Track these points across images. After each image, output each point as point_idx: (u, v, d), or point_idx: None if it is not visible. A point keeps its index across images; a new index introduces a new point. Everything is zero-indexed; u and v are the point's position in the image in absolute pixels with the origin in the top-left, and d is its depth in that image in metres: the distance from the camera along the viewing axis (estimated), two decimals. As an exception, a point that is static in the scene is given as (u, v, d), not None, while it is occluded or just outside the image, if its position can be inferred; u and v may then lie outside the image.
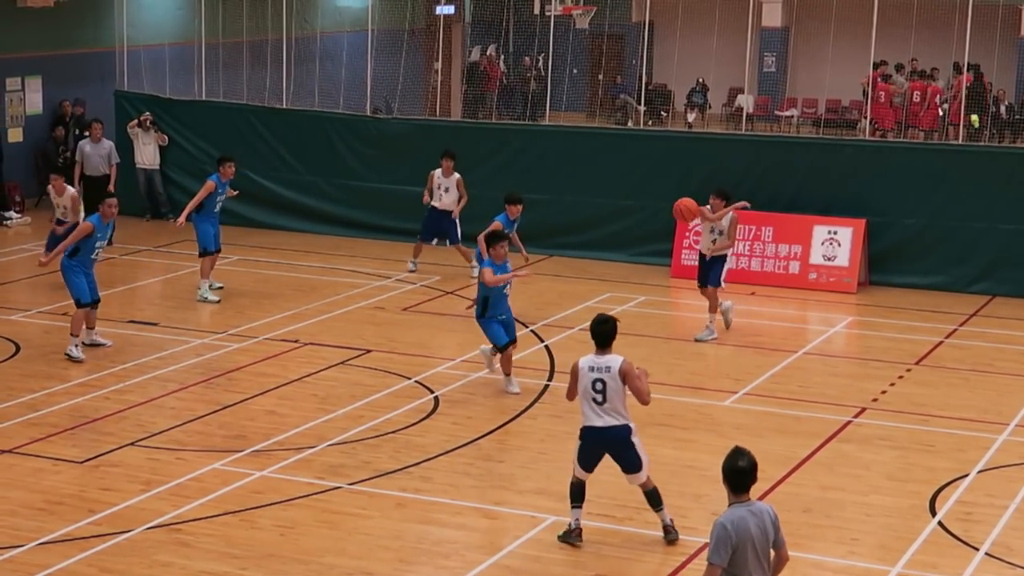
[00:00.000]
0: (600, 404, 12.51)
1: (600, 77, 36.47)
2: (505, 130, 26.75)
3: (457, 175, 23.49)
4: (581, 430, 12.71)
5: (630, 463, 12.66)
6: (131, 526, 13.03)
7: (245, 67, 29.13)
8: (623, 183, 24.86)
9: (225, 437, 15.45)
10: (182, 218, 21.56)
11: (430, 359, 18.39)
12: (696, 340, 19.76)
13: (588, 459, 12.73)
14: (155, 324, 20.10)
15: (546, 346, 19.26)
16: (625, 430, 12.58)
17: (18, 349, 18.72)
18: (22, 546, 12.51)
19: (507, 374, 17.14)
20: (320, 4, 33.79)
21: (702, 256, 19.99)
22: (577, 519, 12.76)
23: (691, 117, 36.71)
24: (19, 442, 15.14)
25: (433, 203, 23.62)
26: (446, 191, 23.58)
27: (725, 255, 19.98)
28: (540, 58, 35.17)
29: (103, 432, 15.51)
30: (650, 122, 33.60)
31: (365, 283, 22.77)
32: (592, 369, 12.53)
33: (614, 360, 12.53)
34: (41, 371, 17.71)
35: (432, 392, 17.11)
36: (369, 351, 18.77)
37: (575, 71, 36.36)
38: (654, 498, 12.78)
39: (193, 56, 28.62)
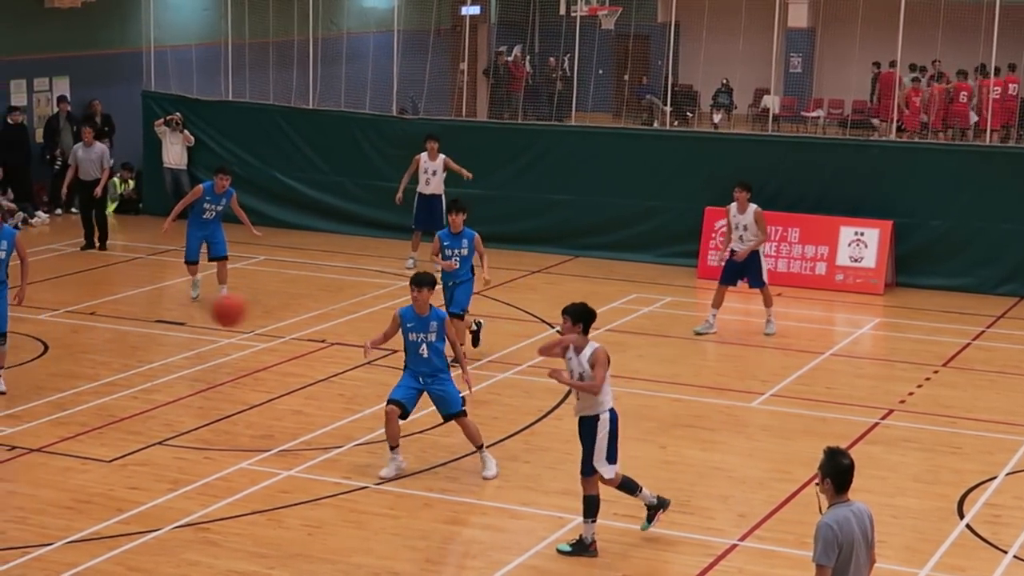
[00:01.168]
0: None
1: (625, 78, 36.49)
2: (531, 131, 26.76)
3: (443, 156, 23.61)
4: (611, 413, 12.62)
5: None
6: (159, 525, 13.09)
7: (272, 68, 29.20)
8: (649, 184, 24.85)
9: (252, 437, 15.50)
10: (167, 223, 21.15)
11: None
12: (696, 333, 19.85)
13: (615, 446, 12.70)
14: (182, 324, 20.16)
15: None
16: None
17: (46, 348, 18.81)
18: (51, 544, 12.57)
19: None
20: (346, 5, 33.88)
21: (731, 256, 19.95)
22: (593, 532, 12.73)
23: (717, 118, 36.69)
24: (47, 441, 15.21)
25: (420, 189, 23.75)
26: (433, 174, 23.69)
27: (759, 251, 19.97)
28: (566, 59, 35.19)
29: (131, 431, 15.58)
30: (676, 123, 33.57)
31: (391, 283, 22.78)
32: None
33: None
34: (69, 370, 17.78)
35: (458, 392, 17.08)
36: (395, 351, 18.68)
37: (600, 72, 36.41)
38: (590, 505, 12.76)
39: (220, 57, 28.70)
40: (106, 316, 20.57)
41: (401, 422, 14.34)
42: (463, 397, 14.46)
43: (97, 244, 25.21)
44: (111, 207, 28.35)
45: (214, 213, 21.14)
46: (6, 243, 16.43)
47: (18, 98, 28.72)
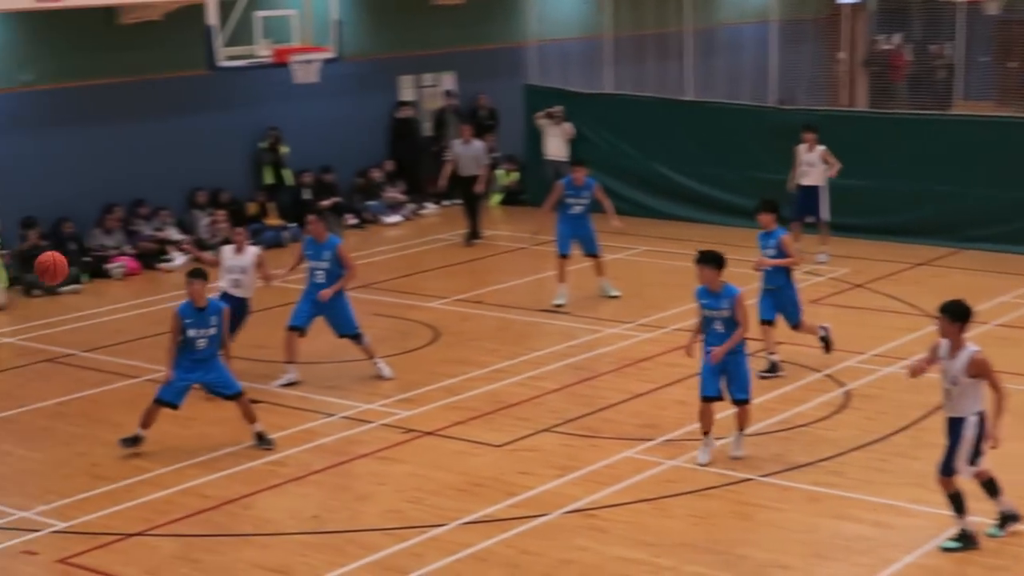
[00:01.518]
0: None
1: (1010, 64, 35.27)
2: (912, 120, 26.15)
3: (822, 147, 23.30)
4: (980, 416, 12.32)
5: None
6: (548, 510, 13.37)
7: (650, 60, 29.39)
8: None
9: (637, 425, 15.66)
10: (538, 223, 21.88)
11: (840, 352, 18.15)
12: None
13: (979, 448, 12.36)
14: (568, 313, 20.45)
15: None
16: None
17: (437, 335, 19.43)
18: (445, 525, 12.99)
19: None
20: (724, -4, 33.86)
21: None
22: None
23: (1111, 103, 35.09)
24: (441, 425, 15.71)
25: (799, 180, 23.54)
26: (811, 166, 23.46)
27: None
28: (948, 46, 34.27)
29: (520, 417, 15.95)
30: (1067, 110, 32.31)
31: (772, 275, 22.62)
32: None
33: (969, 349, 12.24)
34: (459, 356, 18.31)
35: (843, 386, 16.93)
36: (779, 343, 18.68)
37: (984, 58, 35.30)
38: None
39: (599, 49, 29.05)
40: (492, 304, 21.10)
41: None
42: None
43: (472, 238, 25.74)
44: (496, 199, 29.07)
45: (580, 207, 21.07)
46: (329, 253, 16.79)
47: (407, 93, 29.74)
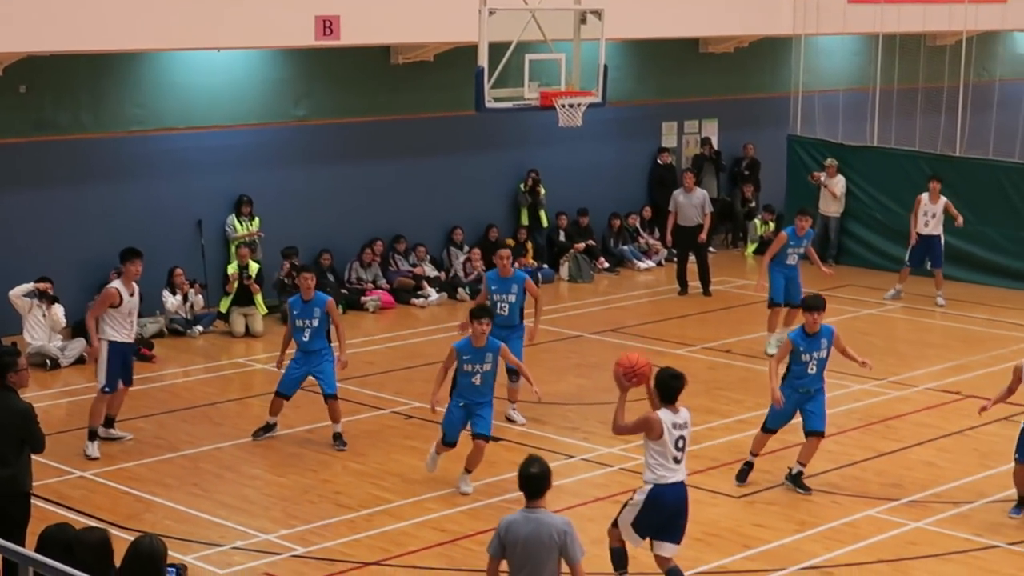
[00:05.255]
0: (679, 462, 11.85)
1: None
2: None
3: (944, 199, 23.47)
4: (651, 489, 11.80)
5: (683, 528, 12.04)
6: (784, 564, 13.17)
7: (919, 113, 28.84)
8: None
9: (881, 484, 15.32)
10: (760, 276, 21.78)
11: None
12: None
13: (652, 524, 11.93)
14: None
15: None
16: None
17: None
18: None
19: (467, 469, 15.15)
20: (1000, 51, 33.02)
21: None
22: None
23: None
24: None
25: (918, 230, 23.92)
26: (932, 216, 23.63)
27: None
28: None
29: (760, 469, 15.72)
30: None
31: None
32: (675, 426, 11.79)
33: (687, 414, 11.96)
34: (703, 405, 18.14)
35: (1102, 456, 16.27)
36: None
37: None
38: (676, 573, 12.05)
39: (867, 102, 28.64)
40: (740, 354, 20.92)
41: None
42: None
43: (702, 290, 25.33)
44: (750, 248, 28.85)
45: (796, 257, 20.94)
46: (319, 310, 16.57)
47: (668, 139, 29.76)
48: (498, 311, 17.12)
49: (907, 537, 13.87)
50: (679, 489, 11.92)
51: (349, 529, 14.05)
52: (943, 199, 23.66)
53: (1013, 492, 14.96)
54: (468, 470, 15.05)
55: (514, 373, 17.18)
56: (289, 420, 17.64)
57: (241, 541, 13.72)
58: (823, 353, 14.96)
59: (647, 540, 12.10)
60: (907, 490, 15.11)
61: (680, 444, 11.84)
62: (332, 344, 16.86)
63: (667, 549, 12.05)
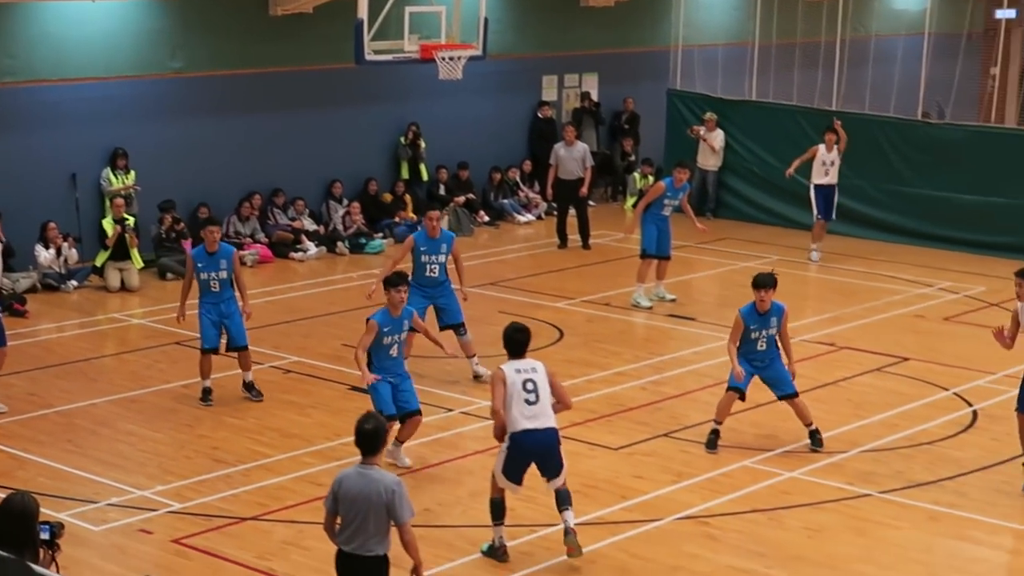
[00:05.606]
0: (533, 404, 11.98)
1: None
2: (1064, 139, 25.61)
3: (836, 147, 24.04)
4: (510, 436, 12.06)
5: (556, 466, 12.16)
6: (660, 515, 13.27)
7: (796, 69, 29.07)
8: None
9: (757, 436, 15.48)
10: (631, 222, 21.82)
11: (970, 371, 17.84)
12: None
13: (518, 469, 12.16)
14: (693, 319, 20.37)
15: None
16: (555, 432, 12.15)
17: (561, 335, 19.39)
18: (556, 525, 12.89)
19: (399, 440, 14.47)
20: (876, 7, 33.35)
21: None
22: (501, 536, 12.26)
23: None
24: (559, 425, 15.57)
25: (816, 180, 24.17)
26: (831, 165, 23.99)
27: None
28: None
29: (638, 421, 15.86)
30: None
31: (906, 290, 22.34)
32: (519, 371, 12.04)
33: (535, 362, 12.14)
34: (582, 358, 18.26)
35: (971, 405, 16.60)
36: (907, 359, 18.40)
37: None
38: (565, 497, 12.22)
39: (745, 56, 28.82)
40: (619, 307, 21.02)
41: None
42: None
43: (581, 243, 25.43)
44: (630, 201, 28.97)
45: (670, 209, 21.07)
46: (225, 261, 16.53)
47: (549, 93, 29.75)
48: (427, 273, 17.11)
49: (782, 487, 14.03)
50: (539, 435, 12.03)
51: (226, 484, 13.94)
52: (836, 147, 23.94)
53: (886, 441, 15.23)
54: (401, 441, 14.51)
55: (462, 326, 17.21)
56: (165, 375, 17.49)
57: (116, 498, 13.56)
58: (772, 331, 14.86)
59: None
60: (782, 441, 15.28)
61: (529, 386, 11.98)
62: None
63: (551, 483, 12.25)
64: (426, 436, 15.30)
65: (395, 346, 14.27)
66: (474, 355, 17.39)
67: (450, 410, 16.29)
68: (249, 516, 13.16)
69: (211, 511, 13.27)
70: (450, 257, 17.34)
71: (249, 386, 16.66)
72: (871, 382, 17.47)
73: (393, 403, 14.13)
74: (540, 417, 12.04)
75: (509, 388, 11.99)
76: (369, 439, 9.66)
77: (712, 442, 15.06)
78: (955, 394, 17.01)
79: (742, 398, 15.01)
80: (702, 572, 12.10)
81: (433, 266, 17.18)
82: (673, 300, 21.26)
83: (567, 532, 12.19)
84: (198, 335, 16.55)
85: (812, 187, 24.25)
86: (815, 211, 24.29)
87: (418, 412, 14.39)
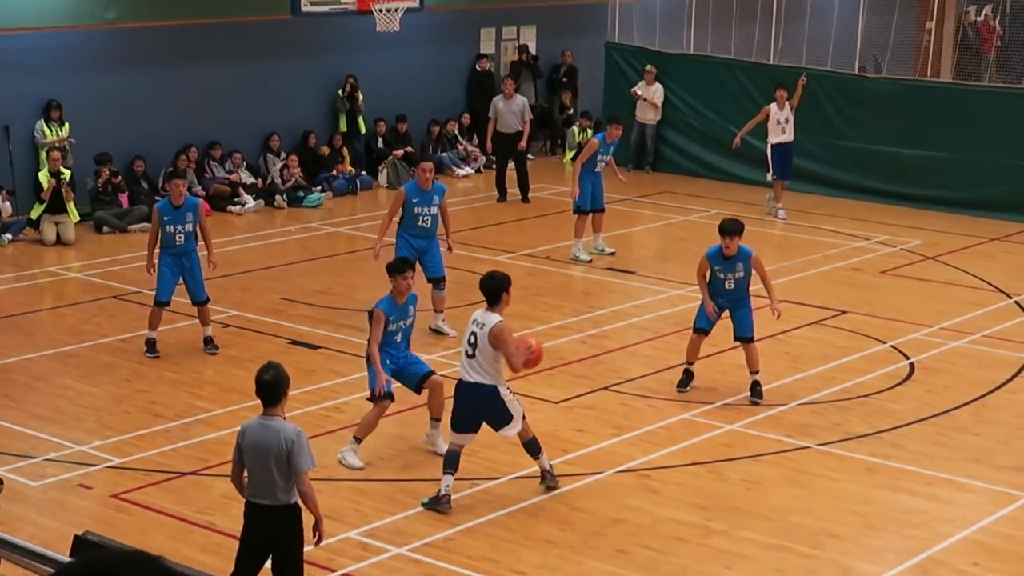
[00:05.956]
0: (470, 357, 12.22)
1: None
2: (998, 94, 25.76)
3: (789, 103, 23.87)
4: (456, 384, 12.47)
5: (500, 417, 12.33)
6: (601, 468, 13.33)
7: (735, 22, 29.09)
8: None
9: (697, 388, 15.55)
10: (573, 184, 21.50)
11: (907, 324, 17.99)
12: None
13: (459, 417, 12.41)
14: (633, 272, 20.42)
15: (1031, 319, 18.53)
16: (492, 391, 12.26)
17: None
18: (498, 479, 12.97)
19: (434, 418, 13.82)
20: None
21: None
22: (447, 485, 12.39)
23: None
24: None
25: (772, 140, 23.95)
26: (786, 122, 23.87)
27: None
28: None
29: (579, 375, 15.89)
30: None
31: (844, 243, 22.47)
32: (473, 322, 12.27)
33: (490, 320, 12.18)
34: (522, 311, 18.21)
35: (908, 358, 16.74)
36: (844, 312, 18.52)
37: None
38: (532, 447, 12.52)
39: (684, 9, 28.81)
40: (559, 261, 21.04)
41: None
42: None
43: (521, 196, 25.40)
44: (568, 155, 28.96)
45: (603, 164, 21.20)
46: (191, 214, 16.46)
47: (487, 46, 29.65)
48: (419, 224, 17.05)
49: (721, 439, 14.12)
50: (468, 388, 12.26)
51: (165, 439, 13.88)
52: (788, 104, 23.92)
53: (824, 394, 15.33)
54: (436, 418, 13.85)
55: (442, 280, 17.19)
56: (103, 329, 17.37)
57: (55, 452, 13.48)
58: (740, 274, 15.20)
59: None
60: (721, 393, 15.37)
61: (472, 340, 12.18)
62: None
63: (502, 433, 12.46)
64: (367, 390, 15.25)
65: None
66: (442, 311, 17.41)
67: (390, 364, 16.24)
68: (189, 471, 13.11)
69: (150, 466, 13.22)
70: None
71: (208, 341, 16.60)
72: (809, 335, 17.58)
73: (405, 376, 13.79)
74: (472, 372, 12.22)
75: (466, 333, 12.35)
76: (268, 389, 9.65)
77: (684, 382, 15.37)
78: (892, 347, 17.15)
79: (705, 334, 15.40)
80: (643, 524, 12.16)
81: (425, 217, 17.12)
82: (612, 253, 21.29)
83: (543, 475, 12.74)
84: (138, 289, 16.43)
85: (769, 146, 24.16)
86: (771, 170, 24.18)
87: (432, 372, 13.89)
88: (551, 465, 12.76)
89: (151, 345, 16.42)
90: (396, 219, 17.29)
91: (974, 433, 14.45)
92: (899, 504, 12.70)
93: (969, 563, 11.52)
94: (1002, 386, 15.91)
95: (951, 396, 15.46)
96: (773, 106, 23.92)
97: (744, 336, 15.32)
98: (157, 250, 16.42)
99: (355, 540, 11.67)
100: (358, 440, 13.42)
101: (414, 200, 17.05)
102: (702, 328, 15.40)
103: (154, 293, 16.49)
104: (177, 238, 16.26)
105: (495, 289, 12.31)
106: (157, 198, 23.25)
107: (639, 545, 11.74)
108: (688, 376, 15.40)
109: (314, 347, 16.65)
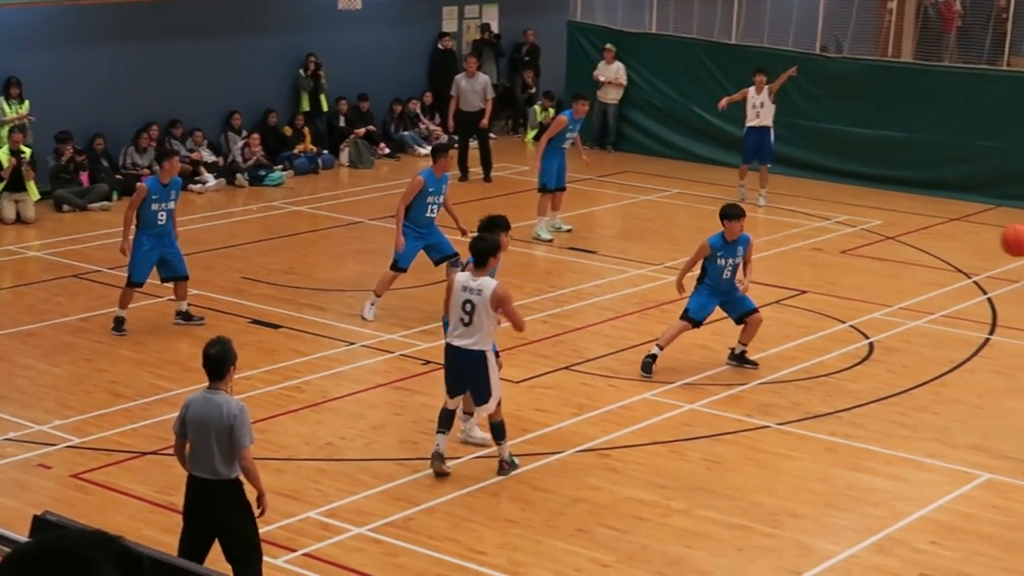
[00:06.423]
0: (466, 325, 12.27)
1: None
2: (959, 74, 25.88)
3: (767, 87, 23.60)
4: (445, 346, 12.57)
5: (481, 392, 12.38)
6: (562, 448, 13.36)
7: (697, 1, 29.11)
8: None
9: (658, 368, 15.56)
10: (535, 159, 21.50)
11: (867, 304, 18.08)
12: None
13: (449, 380, 12.53)
14: (594, 252, 20.43)
15: (989, 299, 18.62)
16: (481, 355, 12.31)
17: (462, 268, 19.33)
18: (459, 458, 12.98)
19: (467, 413, 13.50)
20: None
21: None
22: (438, 444, 12.56)
23: None
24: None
25: (749, 123, 23.79)
26: (761, 106, 23.69)
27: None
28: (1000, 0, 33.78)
29: (540, 355, 15.91)
30: (1116, 71, 31.85)
31: (805, 223, 22.55)
32: (465, 289, 12.30)
33: (487, 284, 12.22)
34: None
35: (867, 338, 16.83)
36: (805, 292, 18.60)
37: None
38: (498, 430, 12.56)
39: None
40: (520, 240, 20.99)
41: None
42: None
43: (483, 175, 25.39)
44: (530, 134, 28.96)
45: (570, 142, 21.22)
46: (175, 192, 16.49)
47: (449, 24, 29.60)
48: (427, 213, 16.96)
49: (682, 419, 14.17)
50: (463, 354, 12.30)
51: (126, 419, 13.84)
52: (766, 89, 23.79)
53: (784, 373, 15.40)
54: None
55: (456, 257, 16.82)
56: (64, 308, 17.30)
57: (14, 432, 13.43)
58: (739, 260, 15.34)
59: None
60: (682, 373, 15.42)
61: (468, 307, 12.21)
62: None
63: (479, 410, 12.57)
64: (328, 369, 15.28)
65: (434, 206, 16.58)
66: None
67: (352, 343, 16.25)
68: (149, 450, 13.08)
69: (111, 446, 13.18)
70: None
71: (187, 315, 16.63)
72: (770, 315, 17.57)
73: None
74: (465, 338, 12.32)
75: (453, 298, 12.41)
76: (214, 363, 9.67)
77: (647, 366, 15.34)
78: (852, 327, 17.24)
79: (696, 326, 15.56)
80: (603, 503, 12.20)
81: (434, 206, 17.05)
82: (569, 231, 21.32)
83: (501, 465, 12.66)
84: (98, 267, 16.35)
85: (745, 129, 24.13)
86: (744, 154, 24.12)
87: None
88: (511, 457, 12.71)
89: (120, 323, 16.37)
90: (405, 206, 17.04)
91: (933, 412, 14.54)
92: (858, 483, 12.78)
93: (927, 541, 11.61)
94: (961, 365, 16.02)
95: (910, 376, 15.55)
96: (751, 89, 23.75)
97: (751, 308, 15.51)
98: (133, 227, 16.39)
99: (316, 520, 11.67)
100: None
101: (430, 189, 16.94)
102: (697, 321, 15.45)
103: (127, 273, 16.43)
104: (160, 217, 16.24)
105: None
106: (118, 176, 23.27)
107: (600, 524, 11.78)
108: (652, 360, 15.34)
109: (275, 326, 16.63)
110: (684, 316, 15.51)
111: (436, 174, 17.00)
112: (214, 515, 9.69)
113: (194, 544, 9.76)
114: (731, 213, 15.44)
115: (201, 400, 9.69)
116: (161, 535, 11.16)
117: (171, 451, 12.91)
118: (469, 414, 13.52)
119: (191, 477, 9.75)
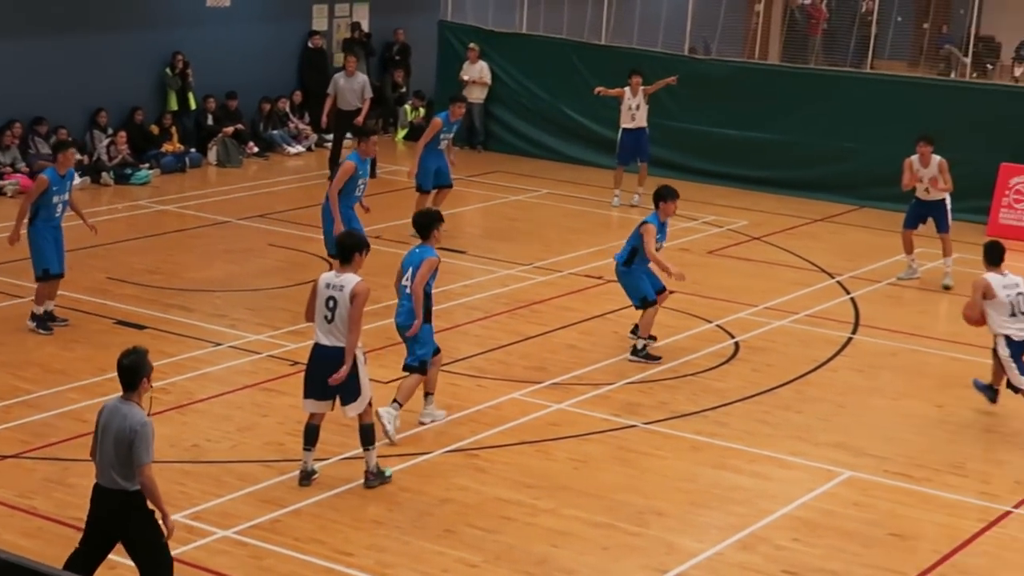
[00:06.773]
0: (329, 322, 12.25)
1: (925, 26, 35.38)
2: (825, 76, 26.23)
3: (642, 88, 23.81)
4: (311, 348, 12.52)
5: (350, 391, 12.34)
6: (429, 448, 13.35)
7: (567, 2, 29.24)
8: (944, 136, 23.99)
9: (525, 368, 15.64)
10: (412, 165, 21.63)
11: (732, 304, 18.28)
12: (898, 279, 19.80)
13: (313, 382, 12.40)
14: (463, 252, 20.44)
15: (852, 299, 18.91)
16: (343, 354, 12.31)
17: (331, 268, 19.25)
18: (327, 460, 12.91)
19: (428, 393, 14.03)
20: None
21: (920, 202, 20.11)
22: (306, 462, 12.53)
23: (1018, 71, 35.34)
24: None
25: (624, 124, 23.97)
26: (637, 108, 23.85)
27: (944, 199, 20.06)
28: (865, 4, 34.32)
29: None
30: (975, 75, 32.48)
31: (672, 223, 22.49)
32: (328, 286, 12.32)
33: (349, 280, 12.24)
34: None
35: (733, 337, 17.01)
36: (671, 292, 18.72)
37: (900, 19, 35.38)
38: (367, 435, 12.47)
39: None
40: (390, 240, 20.96)
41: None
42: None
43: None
44: (400, 134, 28.91)
45: (446, 143, 21.34)
46: (70, 183, 16.42)
47: (319, 22, 29.45)
48: (357, 193, 17.88)
49: (549, 418, 14.23)
50: (328, 352, 12.19)
51: (-14, 422, 13.62)
52: (642, 89, 23.88)
53: (651, 373, 15.52)
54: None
55: None
56: (-79, 310, 16.96)
57: None
58: (664, 242, 16.43)
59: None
60: (550, 373, 15.48)
61: (331, 304, 12.15)
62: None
63: (347, 410, 12.39)
64: (194, 371, 15.14)
65: (363, 187, 17.80)
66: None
67: (219, 344, 16.10)
68: (10, 454, 12.86)
69: (-30, 449, 12.95)
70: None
71: (51, 316, 16.41)
72: (637, 315, 17.70)
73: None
74: (329, 336, 12.22)
75: (317, 296, 12.31)
76: (126, 374, 9.52)
77: (648, 356, 16.02)
78: (718, 326, 17.42)
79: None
80: (471, 503, 12.21)
81: (363, 187, 17.96)
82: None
83: (367, 476, 12.47)
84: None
85: (620, 131, 24.21)
86: (620, 155, 24.22)
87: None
88: (378, 467, 12.55)
89: (44, 320, 16.23)
90: (338, 191, 17.50)
91: (796, 411, 14.74)
92: (723, 481, 12.91)
93: (789, 539, 11.76)
94: (824, 364, 16.25)
95: (774, 374, 15.75)
96: (627, 90, 23.86)
97: (660, 287, 16.30)
98: (25, 220, 16.16)
99: (180, 523, 11.51)
100: None
101: (359, 172, 17.63)
102: (652, 299, 16.19)
103: (39, 268, 16.22)
104: (57, 208, 16.19)
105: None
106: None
107: (467, 524, 11.79)
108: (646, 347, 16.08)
109: (140, 327, 16.43)
110: (643, 305, 16.11)
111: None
112: (110, 524, 9.57)
113: (90, 548, 9.65)
114: (672, 194, 16.34)
115: (112, 408, 9.58)
116: (21, 539, 11.01)
117: (32, 454, 12.79)
118: (431, 394, 13.80)
119: (95, 484, 9.62)
